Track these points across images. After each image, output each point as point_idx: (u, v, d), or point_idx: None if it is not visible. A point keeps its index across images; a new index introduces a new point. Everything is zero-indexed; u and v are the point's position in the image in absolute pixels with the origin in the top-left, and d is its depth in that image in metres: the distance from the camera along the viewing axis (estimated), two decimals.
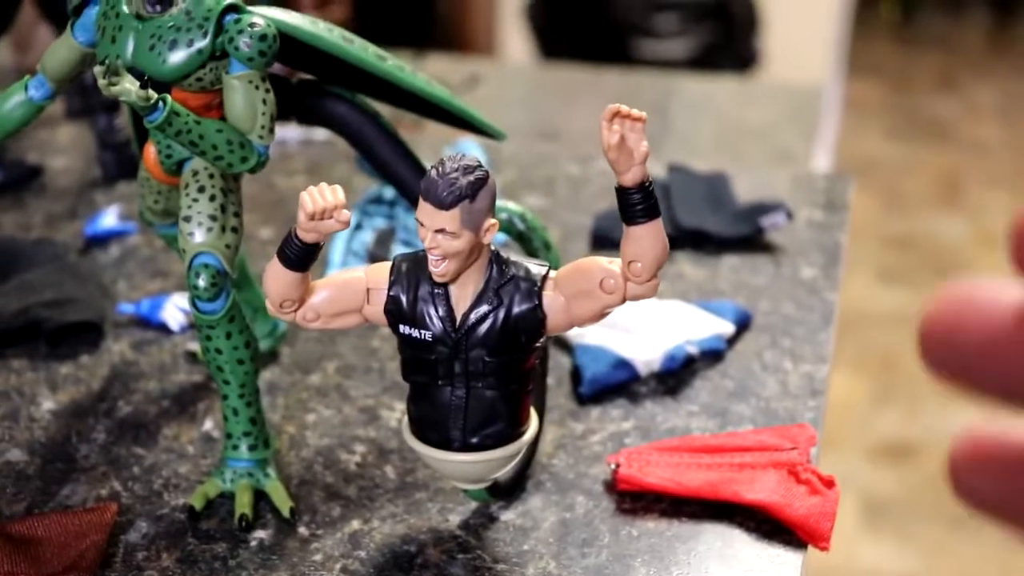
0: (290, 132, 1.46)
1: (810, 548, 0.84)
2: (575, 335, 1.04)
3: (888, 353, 2.85)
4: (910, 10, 5.22)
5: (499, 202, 0.91)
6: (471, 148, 1.34)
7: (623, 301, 0.75)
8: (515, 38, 3.37)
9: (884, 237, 3.43)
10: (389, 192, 1.22)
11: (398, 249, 1.17)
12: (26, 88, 0.86)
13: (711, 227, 1.22)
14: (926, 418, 2.63)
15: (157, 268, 1.19)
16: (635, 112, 0.71)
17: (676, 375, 1.02)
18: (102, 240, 1.23)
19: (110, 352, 1.06)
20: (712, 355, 1.04)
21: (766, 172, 1.39)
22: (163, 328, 1.09)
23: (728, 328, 1.06)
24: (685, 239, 1.21)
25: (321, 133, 1.47)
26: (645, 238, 0.73)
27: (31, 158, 1.40)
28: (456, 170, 0.73)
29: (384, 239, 1.19)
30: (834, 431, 2.49)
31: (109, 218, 1.24)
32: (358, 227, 1.21)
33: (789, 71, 3.12)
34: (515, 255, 0.77)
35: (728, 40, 3.04)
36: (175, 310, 1.09)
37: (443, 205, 0.72)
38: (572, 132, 1.74)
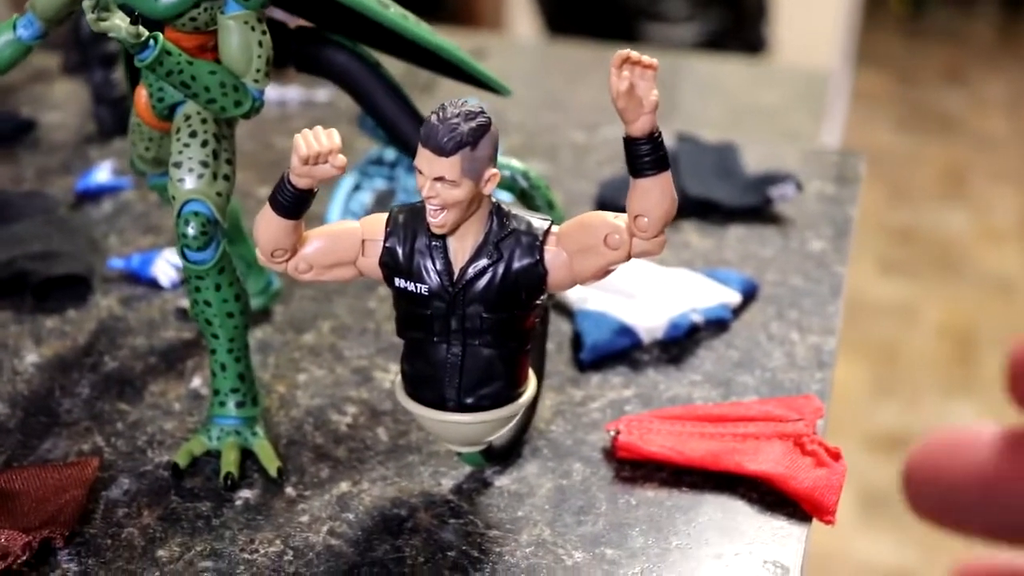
0: (291, 92, 1.43)
1: (814, 521, 0.81)
2: (577, 300, 1.02)
3: (888, 344, 2.83)
4: (919, 3, 5.19)
5: (502, 159, 0.89)
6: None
7: (628, 258, 0.72)
8: (523, 19, 3.34)
9: (888, 228, 3.40)
10: (390, 154, 1.19)
11: None
12: (14, 27, 0.83)
13: (719, 196, 1.19)
14: (925, 410, 2.60)
15: (150, 223, 1.16)
16: (646, 59, 0.68)
17: (679, 343, 0.99)
18: (94, 195, 1.20)
19: (98, 307, 1.03)
20: (717, 324, 1.01)
21: (776, 146, 1.36)
22: (153, 284, 1.06)
23: (734, 297, 1.03)
24: (692, 208, 1.18)
25: (323, 94, 1.44)
26: (653, 191, 0.70)
27: (25, 112, 1.37)
28: (457, 116, 0.70)
29: (383, 201, 1.16)
30: (833, 421, 2.45)
31: (102, 173, 1.21)
32: (357, 188, 1.18)
33: (797, 60, 3.09)
34: (517, 208, 0.74)
35: (736, 27, 3.01)
36: (166, 265, 1.06)
37: (443, 151, 0.69)
38: (577, 107, 1.71)
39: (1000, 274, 3.16)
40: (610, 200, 1.18)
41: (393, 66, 0.89)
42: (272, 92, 1.43)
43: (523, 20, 3.34)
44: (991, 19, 5.24)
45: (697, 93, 1.82)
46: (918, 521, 0.30)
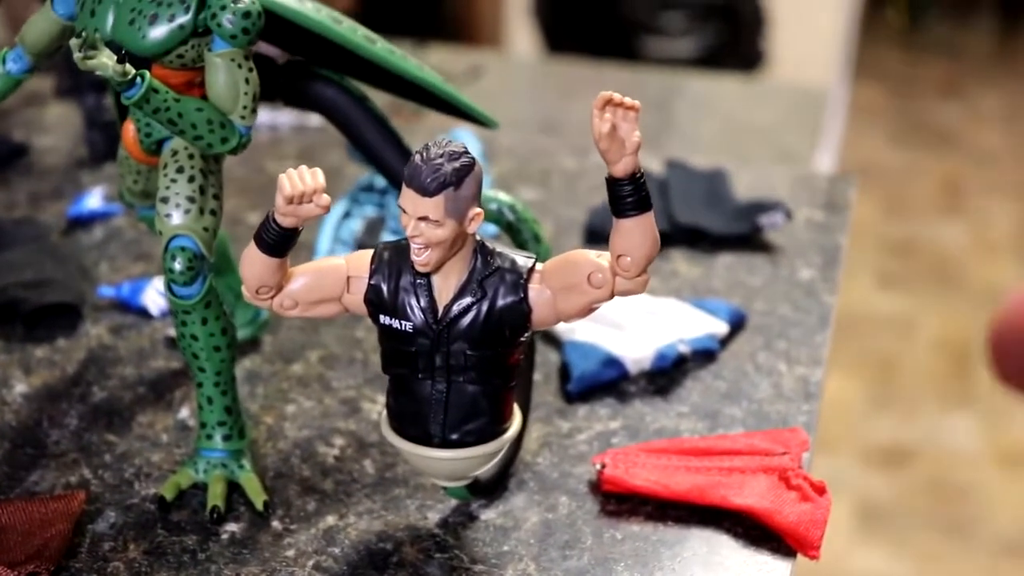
0: (282, 117, 1.43)
1: (799, 556, 0.81)
2: (564, 331, 1.02)
3: (885, 358, 2.83)
4: (917, 16, 5.19)
5: (489, 192, 0.89)
6: (466, 138, 1.32)
7: (611, 296, 0.72)
8: (522, 33, 3.34)
9: (885, 242, 3.40)
10: (380, 181, 1.19)
11: (387, 237, 1.14)
12: (4, 61, 0.84)
13: (708, 224, 1.19)
14: (922, 424, 2.60)
15: (141, 251, 1.16)
16: (628, 100, 0.68)
17: (667, 374, 0.99)
18: (86, 221, 1.20)
19: (87, 336, 1.03)
20: (704, 355, 1.01)
21: (767, 170, 1.37)
22: (143, 313, 1.06)
23: (722, 328, 1.03)
24: (681, 236, 1.18)
25: (314, 119, 1.44)
26: (635, 232, 0.70)
27: (17, 136, 1.38)
28: (441, 156, 0.70)
29: (373, 228, 1.16)
30: (829, 435, 2.46)
31: (94, 199, 1.22)
32: (347, 215, 1.18)
33: (794, 73, 3.09)
34: (501, 246, 0.75)
35: (734, 40, 3.01)
36: (156, 294, 1.06)
37: (427, 192, 0.70)
38: (572, 126, 1.71)
39: (997, 287, 3.16)
40: (600, 228, 1.18)
41: (382, 97, 0.89)
42: (264, 116, 1.43)
43: (522, 36, 3.34)
44: (988, 33, 5.24)
45: (692, 112, 1.82)
46: (1002, 386, 0.29)
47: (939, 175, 3.91)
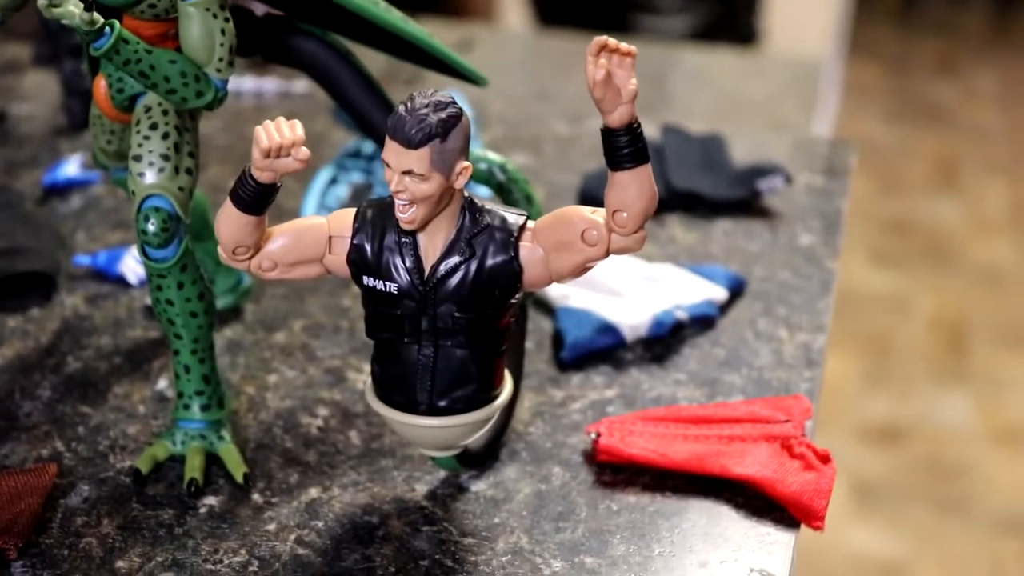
0: (268, 84, 1.39)
1: (803, 527, 0.78)
2: (558, 297, 0.98)
3: (880, 335, 2.80)
4: None
5: (479, 151, 0.86)
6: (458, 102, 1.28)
7: (606, 254, 0.69)
8: (514, 8, 3.31)
9: (880, 220, 3.37)
10: (368, 147, 1.16)
11: None
12: None
13: (705, 189, 1.15)
14: (917, 401, 2.58)
15: (119, 219, 1.12)
16: (624, 46, 0.65)
17: (664, 342, 0.96)
18: (62, 189, 1.16)
19: (62, 305, 0.99)
20: (703, 322, 0.98)
21: (764, 136, 1.33)
22: (121, 281, 1.02)
23: (720, 294, 0.99)
24: (677, 201, 1.15)
25: (300, 85, 1.40)
26: (632, 185, 0.66)
27: None
28: (426, 106, 0.67)
29: (360, 194, 1.12)
30: (824, 413, 2.44)
31: (71, 167, 1.18)
32: (333, 181, 1.14)
33: (789, 51, 3.06)
34: (491, 203, 0.71)
35: (728, 18, 2.98)
36: (134, 262, 1.02)
37: (411, 144, 0.66)
38: (564, 98, 1.67)
39: (991, 265, 3.14)
40: (594, 193, 1.15)
41: (378, 60, 0.86)
42: (249, 83, 1.39)
43: (514, 11, 3.31)
44: (983, 11, 5.21)
45: (687, 84, 1.79)
46: None
47: (934, 153, 3.89)
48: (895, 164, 3.78)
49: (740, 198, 1.15)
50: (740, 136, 1.30)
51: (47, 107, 1.34)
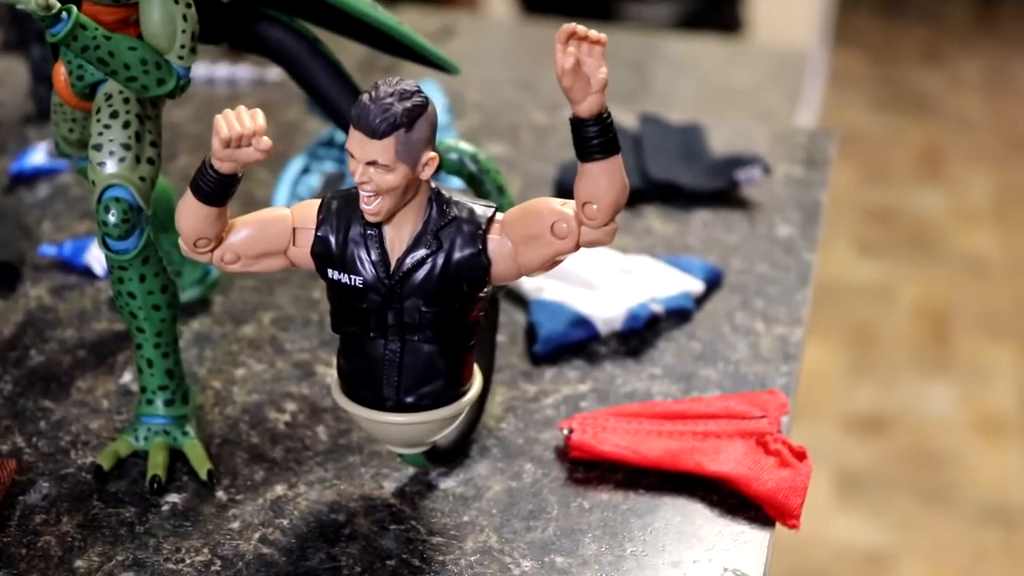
0: (241, 72, 1.37)
1: (778, 526, 0.77)
2: (531, 290, 0.97)
3: (864, 325, 2.80)
4: None
5: (449, 141, 0.84)
6: (432, 91, 1.26)
7: (576, 247, 0.67)
8: None
9: (864, 209, 3.37)
10: (341, 136, 1.14)
11: None
12: None
13: (683, 179, 1.14)
14: (901, 391, 2.57)
15: (87, 209, 1.10)
16: (593, 33, 0.63)
17: (639, 335, 0.94)
18: (29, 178, 1.14)
19: (26, 297, 0.97)
20: (679, 315, 0.96)
21: (744, 126, 1.31)
22: (87, 272, 1.00)
23: (697, 286, 0.98)
24: (654, 192, 1.13)
25: (274, 73, 1.38)
26: (602, 177, 0.65)
27: None
28: (391, 95, 0.65)
29: (332, 184, 1.11)
30: (808, 402, 2.43)
31: (38, 155, 1.15)
32: (306, 170, 1.12)
33: (773, 39, 3.05)
34: (459, 194, 0.70)
35: (712, 6, 2.97)
36: (100, 253, 1.00)
37: (375, 134, 0.64)
38: (544, 87, 1.66)
39: (975, 255, 3.14)
40: (571, 183, 1.12)
41: (355, 51, 0.84)
42: (223, 71, 1.37)
43: (498, 2, 3.29)
44: (968, 0, 5.20)
45: (670, 73, 1.77)
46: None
47: (919, 142, 3.88)
48: (880, 153, 3.77)
49: (718, 189, 1.13)
50: (719, 126, 1.29)
51: (15, 94, 1.31)
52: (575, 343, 0.92)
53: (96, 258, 1.00)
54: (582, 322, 0.92)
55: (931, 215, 3.38)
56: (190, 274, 0.96)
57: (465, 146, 0.85)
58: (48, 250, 1.01)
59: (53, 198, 1.12)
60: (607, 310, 0.93)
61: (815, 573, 2.09)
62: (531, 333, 0.93)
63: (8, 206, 1.09)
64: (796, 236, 1.09)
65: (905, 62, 4.54)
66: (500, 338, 0.91)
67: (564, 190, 1.14)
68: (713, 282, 1.00)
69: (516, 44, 1.96)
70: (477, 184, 0.85)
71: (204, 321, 0.95)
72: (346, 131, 0.84)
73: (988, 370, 2.63)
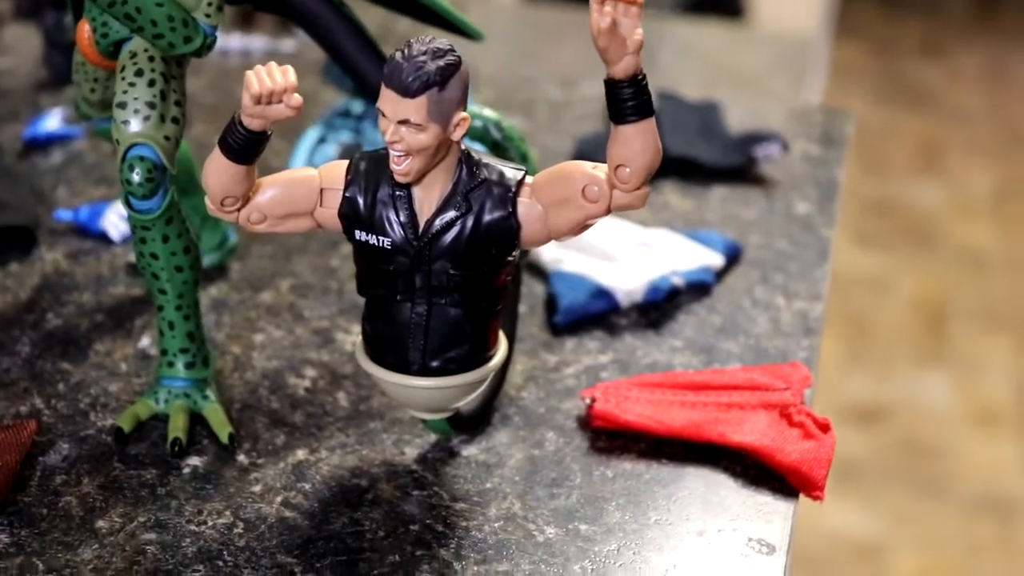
0: (255, 42, 1.36)
1: (801, 497, 0.76)
2: (551, 261, 0.96)
3: (861, 316, 2.80)
4: None
5: (475, 108, 0.83)
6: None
7: (608, 211, 0.66)
8: None
9: (862, 201, 3.36)
10: (357, 106, 1.13)
11: None
12: None
13: (701, 155, 1.13)
14: (896, 382, 2.58)
15: (102, 174, 1.09)
16: None
17: (659, 307, 0.94)
18: (43, 144, 1.13)
19: (42, 260, 0.97)
20: (699, 288, 0.96)
21: (759, 105, 1.31)
22: (103, 238, 1.00)
23: (717, 260, 0.98)
24: (672, 167, 1.12)
25: (288, 44, 1.37)
26: (636, 139, 0.64)
27: None
28: (424, 53, 0.64)
29: (349, 154, 1.10)
30: None
31: (52, 121, 1.15)
32: (322, 140, 1.12)
33: (774, 29, 3.05)
34: (488, 157, 0.69)
35: None
36: (117, 218, 0.99)
37: (408, 92, 0.64)
38: (554, 64, 1.65)
39: (973, 248, 3.14)
40: (589, 157, 1.12)
41: (370, 20, 0.83)
42: (236, 41, 1.36)
43: None
44: None
45: (676, 57, 1.77)
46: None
47: (917, 135, 3.88)
48: (879, 145, 3.77)
49: (736, 165, 1.13)
50: (735, 104, 1.28)
51: (28, 61, 1.31)
52: (595, 314, 0.92)
53: (112, 223, 0.99)
54: (603, 293, 0.92)
55: (929, 208, 3.38)
56: (208, 240, 0.95)
57: (489, 113, 0.84)
58: (64, 215, 1.01)
59: (67, 164, 1.11)
60: (628, 282, 0.93)
61: (808, 562, 2.09)
62: (551, 304, 0.93)
63: (23, 171, 1.08)
64: (814, 213, 1.09)
65: (904, 55, 4.54)
66: (521, 308, 0.90)
67: None
68: (732, 257, 1.00)
69: (522, 28, 1.95)
70: (501, 151, 0.84)
71: (222, 287, 0.94)
72: (368, 95, 0.84)
73: (984, 362, 2.63)
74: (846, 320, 2.77)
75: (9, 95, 1.24)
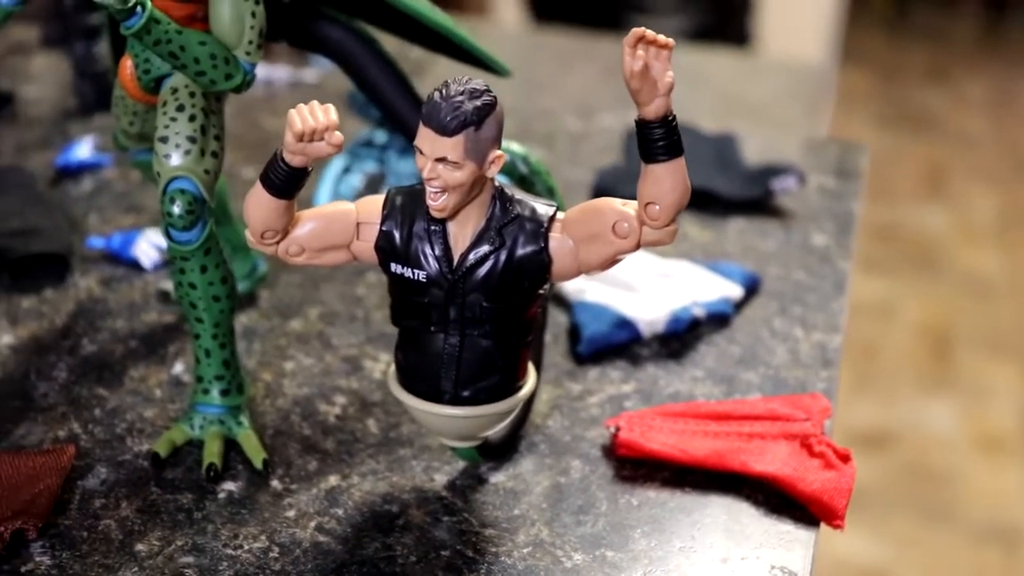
0: (279, 72, 1.39)
1: (823, 526, 0.78)
2: (574, 291, 0.98)
3: (866, 343, 2.81)
4: (903, 1, 5.18)
5: (502, 142, 0.85)
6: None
7: (637, 247, 0.68)
8: (508, 4, 3.30)
9: (867, 227, 3.38)
10: (380, 136, 1.15)
11: None
12: None
13: (719, 187, 1.15)
14: (902, 408, 2.59)
15: (131, 203, 1.11)
16: (661, 38, 0.64)
17: (680, 338, 0.96)
18: (74, 171, 1.16)
19: (76, 287, 0.99)
20: (719, 319, 0.98)
21: (774, 137, 1.33)
22: (134, 265, 1.02)
23: (736, 291, 0.99)
24: (691, 200, 1.14)
25: (311, 74, 1.40)
26: (666, 178, 0.66)
27: (2, 85, 1.33)
28: (461, 93, 0.66)
29: (374, 184, 1.12)
30: None
31: (83, 149, 1.17)
32: (347, 170, 1.14)
33: (782, 56, 3.07)
34: (520, 193, 0.71)
35: (722, 20, 2.98)
36: (148, 246, 1.02)
37: (446, 131, 0.66)
38: (570, 94, 1.67)
39: (978, 274, 3.15)
40: (609, 189, 1.15)
41: (387, 43, 0.85)
42: (259, 71, 1.38)
43: (508, 6, 3.31)
44: (974, 19, 5.23)
45: (686, 86, 1.78)
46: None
47: (923, 160, 3.90)
48: (884, 171, 3.79)
49: (754, 197, 1.15)
50: (750, 136, 1.30)
51: (56, 88, 1.33)
52: (618, 344, 0.94)
53: (144, 251, 1.01)
54: (625, 324, 0.94)
55: (934, 233, 3.40)
56: (239, 268, 0.97)
57: (517, 147, 0.86)
58: (96, 242, 1.03)
59: (97, 192, 1.13)
60: (650, 312, 0.95)
61: None
62: (574, 334, 0.95)
63: (56, 199, 1.10)
64: (831, 245, 1.11)
65: (910, 80, 4.56)
66: (546, 338, 0.92)
67: (601, 195, 1.15)
68: (751, 288, 1.02)
69: (532, 53, 1.97)
70: (528, 186, 0.86)
71: (252, 315, 0.96)
72: (401, 129, 0.86)
73: (989, 389, 2.64)
74: (851, 345, 2.78)
75: (39, 123, 1.26)
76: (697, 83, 1.80)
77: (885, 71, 4.63)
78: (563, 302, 0.99)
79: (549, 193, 0.86)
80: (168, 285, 0.98)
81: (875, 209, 3.49)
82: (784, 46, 3.16)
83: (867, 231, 3.35)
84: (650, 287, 0.98)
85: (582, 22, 2.79)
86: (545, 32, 2.45)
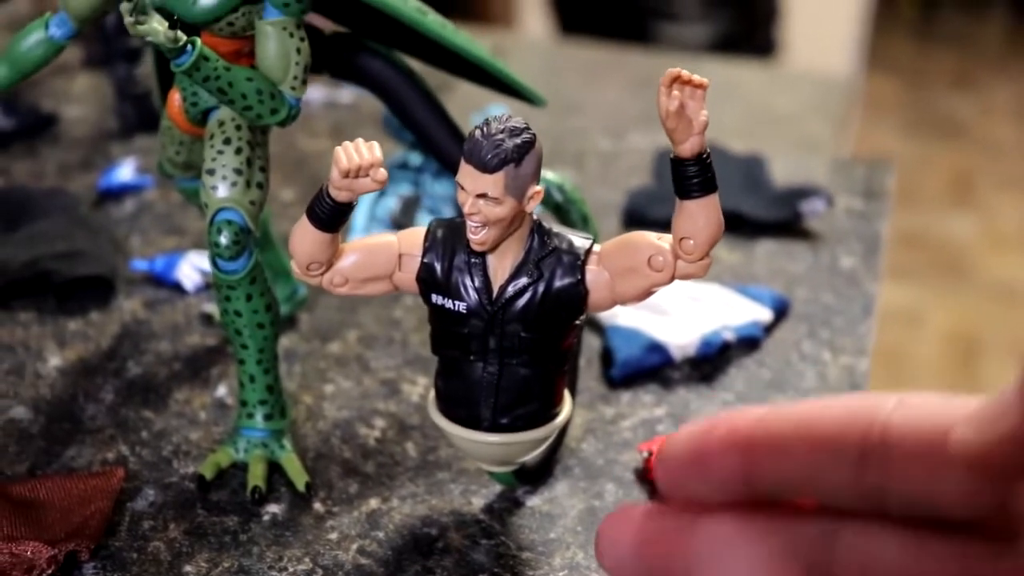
0: (314, 93, 1.41)
1: None
2: (607, 316, 1.00)
3: (893, 350, 2.82)
4: (929, 7, 5.17)
5: None
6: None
7: (671, 280, 0.70)
8: (534, 16, 3.32)
9: (894, 234, 3.39)
10: (415, 159, 1.17)
11: (423, 217, 1.12)
12: (47, 26, 0.81)
13: (747, 209, 1.17)
14: None
15: (173, 225, 1.14)
16: (696, 78, 0.66)
17: (711, 362, 0.98)
18: (116, 193, 1.18)
19: (121, 310, 1.01)
20: (748, 342, 0.99)
21: (802, 157, 1.35)
22: (177, 288, 1.04)
23: (766, 315, 1.01)
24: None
25: (346, 95, 1.42)
26: (700, 214, 0.68)
27: (45, 106, 1.36)
28: (502, 131, 0.69)
29: (409, 206, 1.14)
30: None
31: (125, 171, 1.20)
32: (382, 193, 1.16)
33: (808, 64, 3.08)
34: (558, 226, 0.73)
35: (748, 29, 3.00)
36: (191, 269, 1.04)
37: (487, 168, 0.68)
38: (599, 110, 1.69)
39: (1006, 281, 3.16)
40: (639, 210, 1.17)
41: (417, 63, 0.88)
42: None
43: (534, 17, 3.33)
44: (1001, 24, 5.23)
45: (712, 98, 1.79)
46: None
47: (950, 167, 3.90)
48: (911, 178, 3.79)
49: (782, 219, 1.17)
50: (778, 157, 1.32)
51: (98, 110, 1.36)
52: (650, 368, 0.96)
53: (186, 275, 1.04)
54: (657, 348, 0.96)
55: (962, 241, 3.41)
56: (280, 292, 0.99)
57: (552, 176, 0.88)
58: (140, 265, 1.05)
59: (139, 213, 1.16)
60: (681, 336, 0.97)
61: None
62: (607, 357, 0.97)
63: (99, 221, 1.13)
64: (859, 267, 1.12)
65: (937, 87, 4.56)
66: (579, 362, 0.94)
67: (632, 217, 1.17)
68: (781, 311, 1.03)
69: (560, 65, 1.99)
70: (563, 213, 0.88)
71: (292, 338, 0.99)
72: (441, 160, 0.88)
73: None
74: (878, 353, 2.79)
75: (80, 144, 1.29)
76: (723, 96, 1.81)
77: (912, 77, 4.63)
78: (596, 326, 1.01)
79: (583, 221, 0.88)
80: (210, 307, 1.00)
81: (902, 216, 3.50)
82: (810, 54, 3.17)
83: (894, 239, 3.34)
84: (681, 311, 1.00)
85: (609, 31, 2.81)
86: (573, 44, 2.47)
